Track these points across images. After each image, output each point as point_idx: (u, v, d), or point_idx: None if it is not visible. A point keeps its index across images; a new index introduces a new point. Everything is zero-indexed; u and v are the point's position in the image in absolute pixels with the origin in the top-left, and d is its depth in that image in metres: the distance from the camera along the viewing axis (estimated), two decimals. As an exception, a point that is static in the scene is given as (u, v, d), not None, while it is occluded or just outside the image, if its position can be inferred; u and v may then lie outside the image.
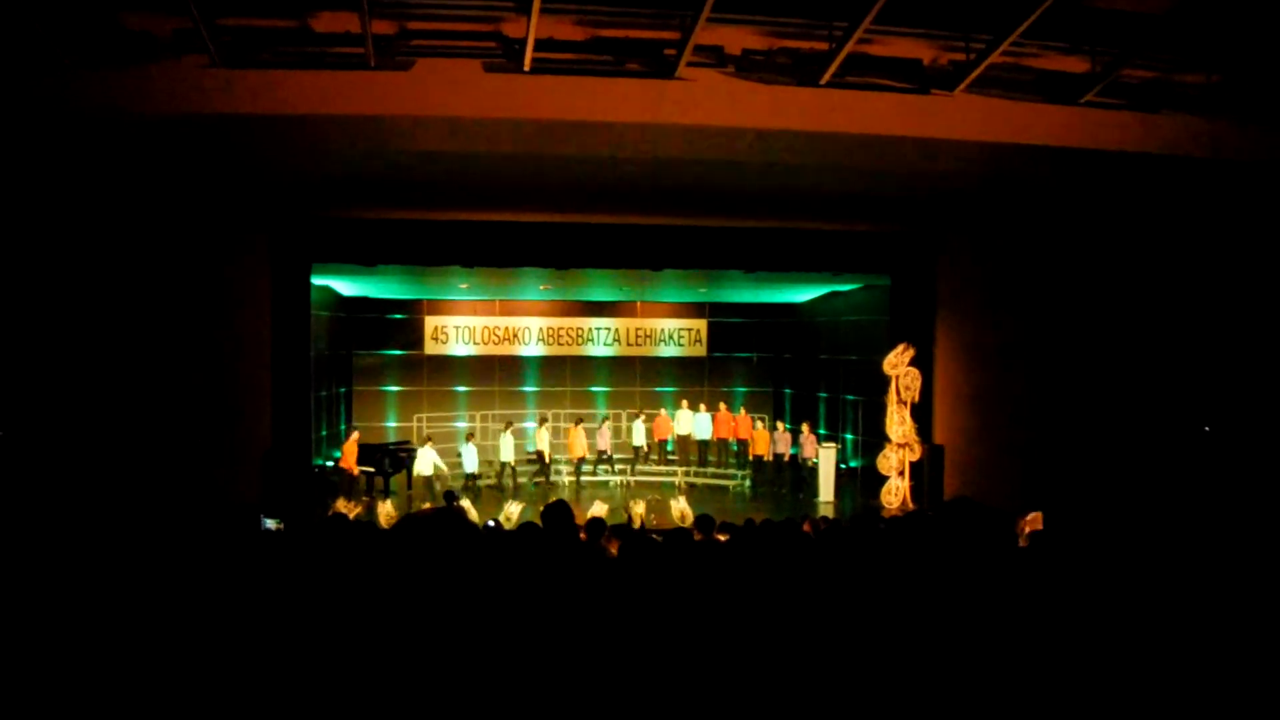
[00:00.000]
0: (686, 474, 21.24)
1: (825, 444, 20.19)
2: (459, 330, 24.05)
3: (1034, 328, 15.69)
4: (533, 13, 9.65)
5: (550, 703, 2.53)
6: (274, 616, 3.10)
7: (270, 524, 10.97)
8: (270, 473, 15.70)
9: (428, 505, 17.27)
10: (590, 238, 17.13)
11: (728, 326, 25.48)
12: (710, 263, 18.18)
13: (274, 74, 10.43)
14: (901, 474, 18.10)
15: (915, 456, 18.01)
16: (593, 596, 3.50)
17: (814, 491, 19.80)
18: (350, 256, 17.04)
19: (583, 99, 11.00)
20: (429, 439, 20.17)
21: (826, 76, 10.92)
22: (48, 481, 12.88)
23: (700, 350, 25.34)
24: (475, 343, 24.13)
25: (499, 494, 19.45)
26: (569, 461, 21.25)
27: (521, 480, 20.56)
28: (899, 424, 17.93)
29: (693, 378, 25.04)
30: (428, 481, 19.11)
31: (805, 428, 20.92)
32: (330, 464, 20.41)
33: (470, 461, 19.68)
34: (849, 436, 22.23)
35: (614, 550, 7.88)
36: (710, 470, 21.65)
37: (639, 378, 24.95)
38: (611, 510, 15.39)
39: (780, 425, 21.91)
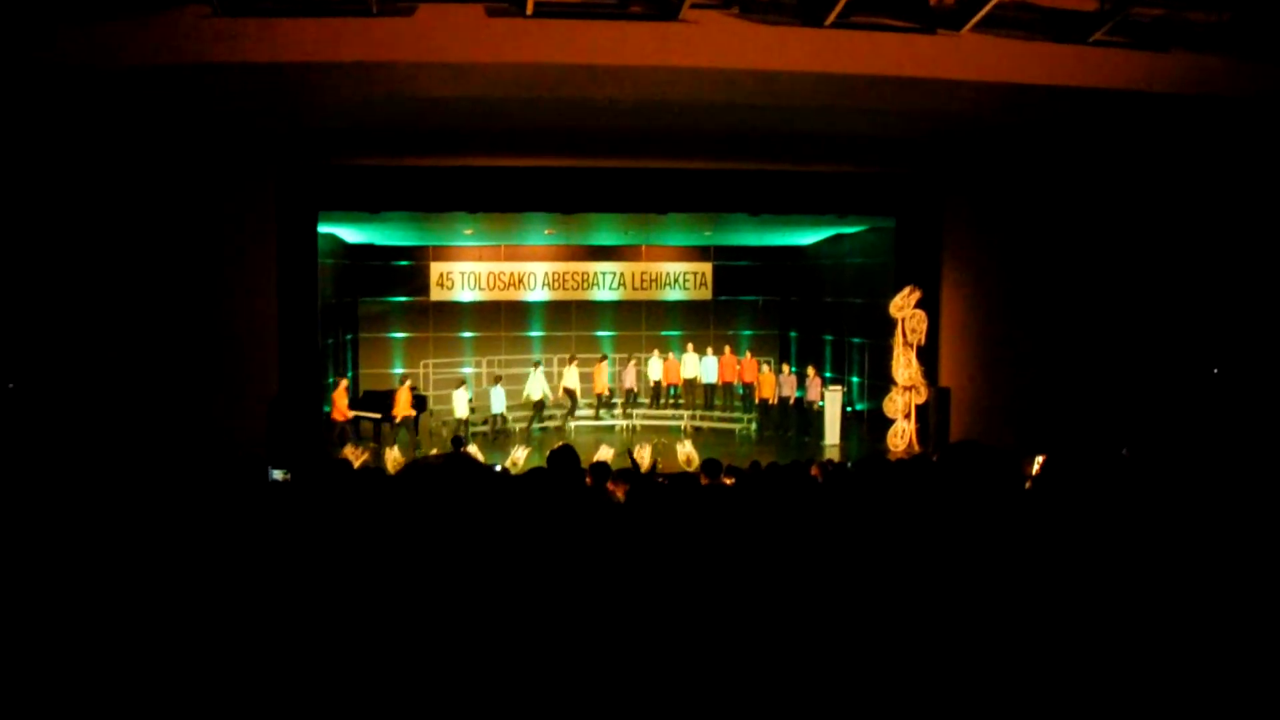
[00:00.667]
0: (692, 417, 21.32)
1: (831, 387, 20.25)
2: (464, 276, 24.02)
3: (1041, 270, 15.64)
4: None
5: (555, 647, 2.58)
6: (281, 570, 3.14)
7: (278, 475, 11.00)
8: (277, 421, 15.76)
9: (435, 451, 17.43)
10: (595, 182, 17.06)
11: (733, 270, 25.42)
12: (715, 206, 18.12)
13: (276, 21, 10.37)
14: (908, 417, 18.16)
15: (921, 399, 18.05)
16: (600, 542, 3.55)
17: (820, 435, 19.89)
18: (356, 204, 17.03)
19: (586, 42, 10.93)
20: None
21: (831, 17, 10.82)
22: (56, 433, 12.94)
23: (706, 294, 25.29)
24: (480, 288, 24.10)
25: (506, 438, 19.58)
26: (593, 401, 21.51)
27: (535, 425, 20.73)
28: (905, 367, 17.94)
29: (698, 321, 25.02)
30: (464, 424, 19.39)
31: (811, 371, 20.93)
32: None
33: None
34: (855, 379, 22.25)
35: (620, 495, 7.96)
36: (716, 414, 21.71)
37: (644, 322, 24.95)
38: (617, 455, 15.47)
39: (786, 368, 21.91)
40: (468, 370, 23.09)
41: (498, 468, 14.14)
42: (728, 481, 9.12)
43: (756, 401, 21.44)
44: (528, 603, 2.62)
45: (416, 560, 2.65)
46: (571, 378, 21.11)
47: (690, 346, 22.51)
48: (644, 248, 24.89)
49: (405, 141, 15.34)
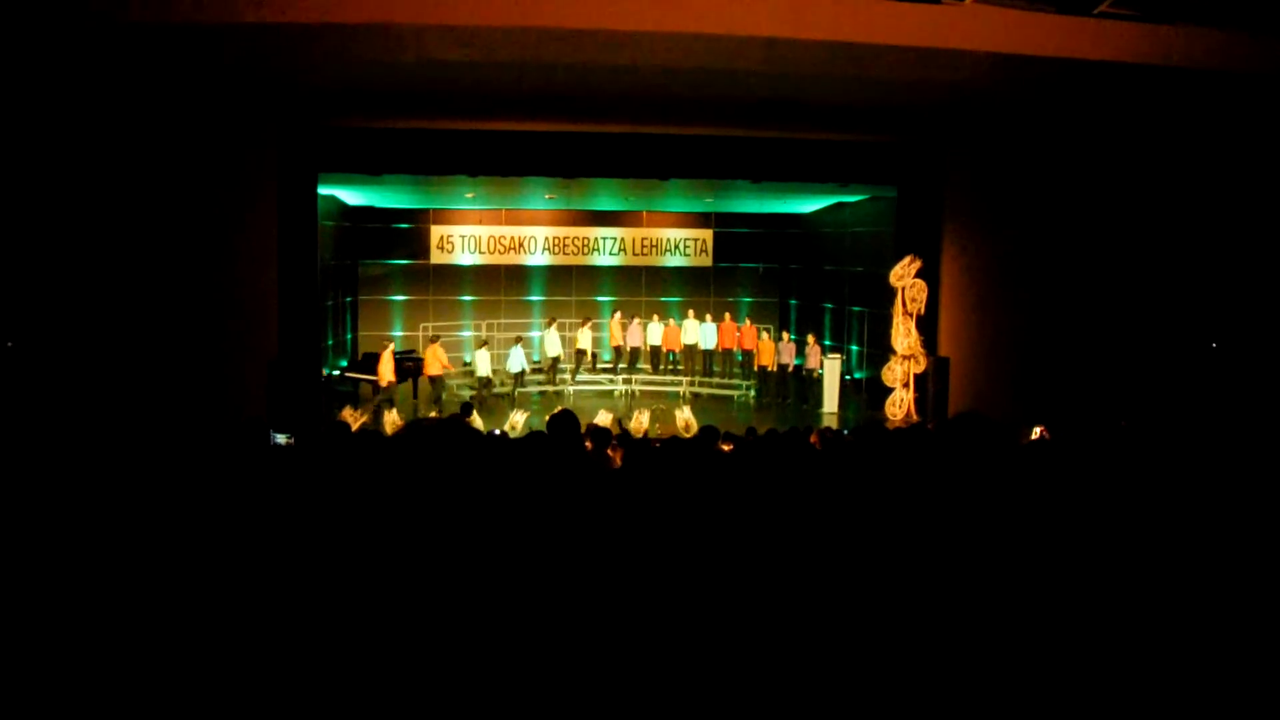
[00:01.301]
0: (691, 384, 21.37)
1: (830, 355, 20.30)
2: (464, 240, 24.00)
3: (1041, 241, 15.63)
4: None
5: (551, 610, 2.62)
6: (289, 537, 3.18)
7: (280, 439, 11.05)
8: (277, 383, 15.80)
9: (434, 414, 17.50)
10: (597, 147, 17.05)
11: (734, 237, 25.36)
12: (717, 172, 18.09)
13: (279, -19, 10.32)
14: (906, 386, 18.22)
15: (920, 369, 18.10)
16: (597, 506, 3.59)
17: (818, 402, 19.97)
18: (357, 166, 17.02)
19: (590, 6, 10.86)
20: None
21: (836, -15, 10.78)
22: (56, 395, 12.94)
23: (706, 260, 25.25)
24: (481, 252, 24.09)
25: (508, 402, 19.68)
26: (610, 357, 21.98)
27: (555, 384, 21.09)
28: (904, 336, 17.99)
29: (698, 288, 25.02)
30: (485, 382, 19.82)
31: (810, 338, 20.95)
32: (336, 374, 20.58)
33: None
34: (854, 348, 22.28)
35: (618, 460, 8.02)
36: (715, 380, 21.77)
37: (644, 287, 24.95)
38: (616, 419, 15.54)
39: (785, 336, 21.93)
40: (466, 334, 23.19)
41: (496, 432, 14.20)
42: (725, 448, 9.16)
43: (755, 369, 21.49)
44: (524, 570, 2.66)
45: (414, 527, 2.69)
46: (585, 339, 21.63)
47: (690, 313, 22.53)
48: (645, 213, 24.84)
49: (406, 104, 15.27)
